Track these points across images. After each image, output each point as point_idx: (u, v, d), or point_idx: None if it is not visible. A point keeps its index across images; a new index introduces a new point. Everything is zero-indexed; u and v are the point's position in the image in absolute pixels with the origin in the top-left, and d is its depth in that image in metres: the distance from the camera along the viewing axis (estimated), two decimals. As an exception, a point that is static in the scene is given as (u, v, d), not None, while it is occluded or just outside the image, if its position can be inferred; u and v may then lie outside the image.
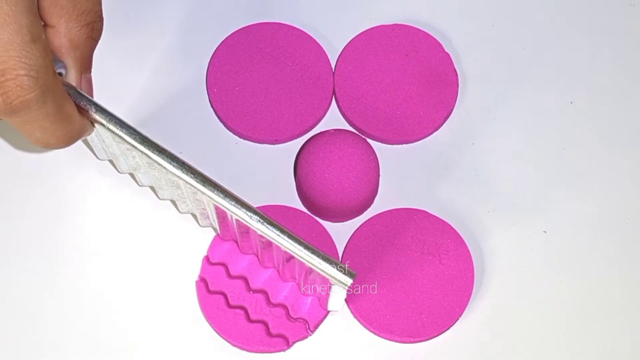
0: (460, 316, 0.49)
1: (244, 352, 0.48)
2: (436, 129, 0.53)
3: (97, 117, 0.44)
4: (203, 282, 0.49)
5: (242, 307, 0.48)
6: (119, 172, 0.51)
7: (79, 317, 0.49)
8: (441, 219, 0.50)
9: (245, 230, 0.45)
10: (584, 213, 0.52)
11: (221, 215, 0.45)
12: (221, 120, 0.53)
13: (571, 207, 0.52)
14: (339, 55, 0.54)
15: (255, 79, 0.53)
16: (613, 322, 0.49)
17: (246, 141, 0.53)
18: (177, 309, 0.49)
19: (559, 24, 0.56)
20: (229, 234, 0.48)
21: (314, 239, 0.50)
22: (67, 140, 0.43)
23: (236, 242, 0.49)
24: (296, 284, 0.49)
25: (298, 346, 0.48)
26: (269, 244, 0.45)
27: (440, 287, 0.49)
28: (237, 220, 0.44)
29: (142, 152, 0.44)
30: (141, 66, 0.54)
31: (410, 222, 0.50)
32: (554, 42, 0.56)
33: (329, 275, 0.43)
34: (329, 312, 0.49)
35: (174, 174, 0.44)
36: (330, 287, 0.45)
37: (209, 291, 0.49)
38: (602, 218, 0.52)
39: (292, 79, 0.53)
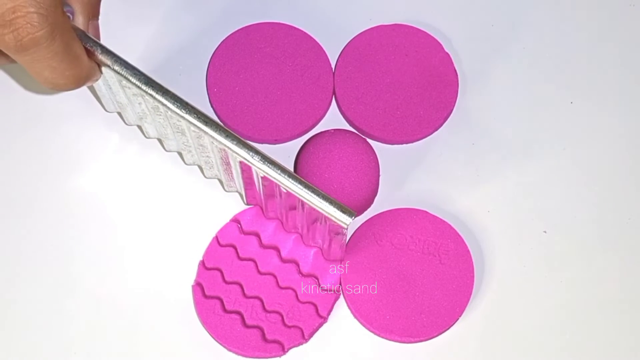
0: (460, 316, 0.49)
1: (240, 357, 0.48)
2: (436, 129, 0.53)
3: (103, 58, 0.44)
4: (199, 287, 0.49)
5: (238, 312, 0.48)
6: (126, 124, 0.52)
7: (77, 319, 0.49)
8: (441, 219, 0.50)
9: (249, 175, 0.45)
10: (584, 213, 0.52)
11: (225, 160, 0.46)
12: (221, 120, 0.53)
13: (571, 207, 0.52)
14: (339, 55, 0.54)
15: (255, 79, 0.53)
16: (613, 322, 0.49)
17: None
18: (173, 313, 0.49)
19: (558, 24, 0.56)
20: (233, 183, 0.49)
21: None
22: (76, 81, 0.43)
23: (240, 194, 0.50)
24: (292, 290, 0.49)
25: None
26: (271, 190, 0.45)
27: (440, 287, 0.49)
28: (240, 162, 0.44)
29: (146, 92, 0.44)
30: (141, 66, 0.54)
31: (410, 222, 0.50)
32: (554, 42, 0.56)
33: (329, 213, 0.43)
34: (324, 321, 0.49)
35: (178, 114, 0.44)
36: (331, 238, 0.45)
37: (205, 296, 0.49)
38: (602, 218, 0.52)
39: (292, 79, 0.53)
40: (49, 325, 0.49)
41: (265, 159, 0.44)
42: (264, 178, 0.45)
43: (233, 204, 0.51)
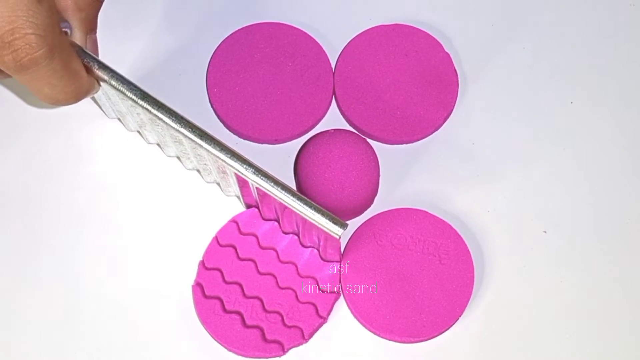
0: (460, 316, 0.48)
1: (240, 357, 0.48)
2: (436, 129, 0.53)
3: (100, 73, 0.45)
4: (199, 287, 0.49)
5: (237, 312, 0.48)
6: (127, 130, 0.52)
7: (78, 319, 0.49)
8: (441, 219, 0.50)
9: (245, 184, 0.46)
10: (584, 213, 0.52)
11: (221, 169, 0.47)
12: (221, 120, 0.53)
13: (571, 207, 0.52)
14: (339, 55, 0.54)
15: (255, 79, 0.53)
16: (613, 322, 0.49)
17: (246, 141, 0.53)
18: (173, 313, 0.49)
19: (558, 24, 0.56)
20: (231, 189, 0.50)
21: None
22: (75, 97, 0.44)
23: (238, 198, 0.50)
24: (292, 290, 0.49)
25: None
26: (267, 199, 0.46)
27: (440, 287, 0.49)
28: (235, 173, 0.45)
29: (142, 107, 0.45)
30: (141, 66, 0.54)
31: (410, 222, 0.50)
32: (554, 42, 0.56)
33: (321, 224, 0.45)
34: (324, 321, 0.49)
35: (173, 128, 0.45)
36: (326, 240, 0.46)
37: (205, 296, 0.49)
38: (602, 218, 0.52)
39: (292, 79, 0.53)
40: (50, 325, 0.49)
41: (259, 171, 0.45)
42: (258, 189, 0.45)
43: (233, 205, 0.51)
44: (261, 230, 0.50)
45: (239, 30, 0.55)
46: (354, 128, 0.53)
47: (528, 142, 0.53)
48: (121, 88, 0.45)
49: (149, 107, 0.45)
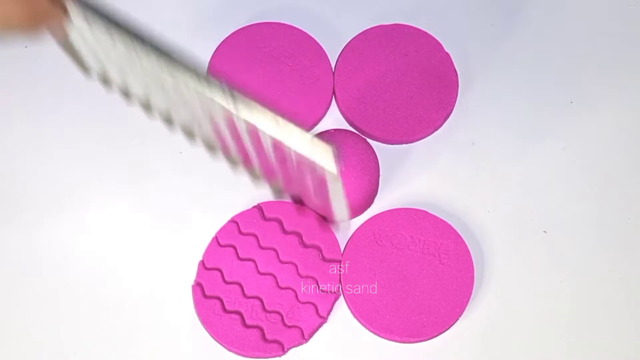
0: (460, 316, 0.49)
1: (240, 357, 0.48)
2: (436, 129, 0.53)
3: None
4: (199, 287, 0.49)
5: (237, 312, 0.48)
6: (112, 91, 0.51)
7: (78, 319, 0.49)
8: (441, 219, 0.50)
9: (234, 127, 0.42)
10: (584, 213, 0.52)
11: (208, 111, 0.43)
12: (221, 120, 0.53)
13: (571, 207, 0.52)
14: (339, 55, 0.54)
15: (255, 79, 0.53)
16: (613, 322, 0.49)
17: (246, 141, 0.53)
18: (173, 313, 0.49)
19: (558, 24, 0.56)
20: (226, 142, 0.46)
21: (317, 235, 0.50)
22: (32, 17, 0.41)
23: (234, 162, 0.48)
24: (292, 290, 0.49)
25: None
26: (258, 142, 0.42)
27: (440, 287, 0.49)
28: (227, 117, 0.42)
29: (113, 33, 0.42)
30: (141, 66, 0.54)
31: (410, 222, 0.50)
32: (554, 42, 0.56)
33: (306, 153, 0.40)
34: (324, 321, 0.49)
35: (139, 49, 0.41)
36: (327, 192, 0.43)
37: (204, 296, 0.49)
38: (602, 218, 0.52)
39: (292, 79, 0.53)
40: (49, 325, 0.49)
41: (235, 96, 0.41)
42: (249, 126, 0.42)
43: (233, 205, 0.51)
44: (261, 230, 0.50)
45: (239, 30, 0.55)
46: (354, 128, 0.53)
47: (528, 141, 0.53)
48: (86, 12, 0.41)
49: (120, 32, 0.41)
